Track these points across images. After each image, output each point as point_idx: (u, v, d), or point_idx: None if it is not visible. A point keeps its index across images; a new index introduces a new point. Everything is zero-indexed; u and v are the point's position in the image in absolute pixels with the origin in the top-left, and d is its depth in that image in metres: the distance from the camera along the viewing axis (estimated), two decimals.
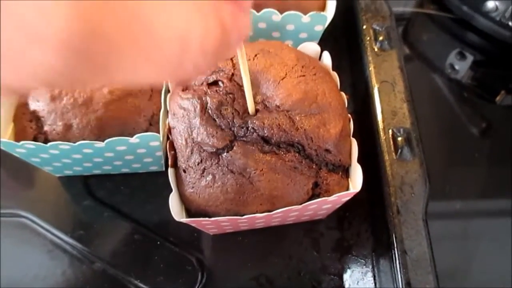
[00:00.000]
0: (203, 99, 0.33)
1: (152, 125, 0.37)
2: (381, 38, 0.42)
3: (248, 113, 0.32)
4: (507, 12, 0.48)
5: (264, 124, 0.31)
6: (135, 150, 0.36)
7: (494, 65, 0.54)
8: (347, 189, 0.33)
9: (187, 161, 0.32)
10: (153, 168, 0.42)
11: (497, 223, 0.43)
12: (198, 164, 0.31)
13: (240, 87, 0.34)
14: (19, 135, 0.36)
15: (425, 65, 0.55)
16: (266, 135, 0.31)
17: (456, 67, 0.54)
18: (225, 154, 0.31)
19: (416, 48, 0.56)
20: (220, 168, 0.31)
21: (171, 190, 0.34)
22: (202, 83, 0.34)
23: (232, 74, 0.34)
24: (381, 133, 0.37)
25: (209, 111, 0.32)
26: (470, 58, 0.54)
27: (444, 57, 0.55)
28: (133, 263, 0.39)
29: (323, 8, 0.43)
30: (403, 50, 0.54)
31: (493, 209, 0.45)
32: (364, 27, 0.43)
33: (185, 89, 0.34)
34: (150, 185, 0.43)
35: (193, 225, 0.33)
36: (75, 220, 0.41)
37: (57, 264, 0.39)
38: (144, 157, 0.38)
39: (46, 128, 0.35)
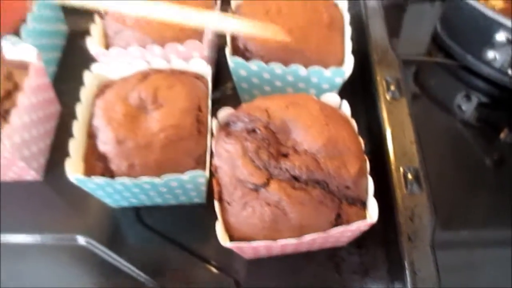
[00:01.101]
0: (244, 144, 0.39)
1: (198, 164, 0.43)
2: (392, 88, 0.48)
3: (281, 155, 0.39)
4: (505, 61, 0.54)
5: (295, 165, 0.38)
6: (184, 185, 0.43)
7: (497, 106, 0.60)
8: (365, 219, 0.39)
9: (231, 195, 0.39)
10: (196, 200, 0.48)
11: (501, 252, 0.48)
12: (240, 198, 0.38)
13: (274, 133, 0.40)
14: (88, 172, 0.43)
15: (436, 105, 0.61)
16: (296, 174, 0.38)
17: (463, 108, 0.60)
18: (263, 190, 0.38)
19: (426, 91, 0.62)
20: (258, 201, 0.37)
21: (210, 220, 0.41)
22: (242, 130, 0.41)
23: (267, 123, 0.41)
24: (393, 171, 0.43)
25: (249, 154, 0.39)
26: (475, 100, 0.60)
27: (452, 99, 0.61)
28: (177, 283, 0.45)
29: (342, 61, 0.50)
30: (414, 93, 0.60)
31: (497, 239, 0.50)
32: (378, 78, 0.49)
33: (228, 134, 0.41)
34: (193, 214, 0.49)
35: (233, 249, 0.40)
36: (128, 244, 0.48)
37: (112, 284, 0.46)
38: (191, 191, 0.45)
39: (112, 167, 0.42)
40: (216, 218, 0.47)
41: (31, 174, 0.51)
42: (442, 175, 0.52)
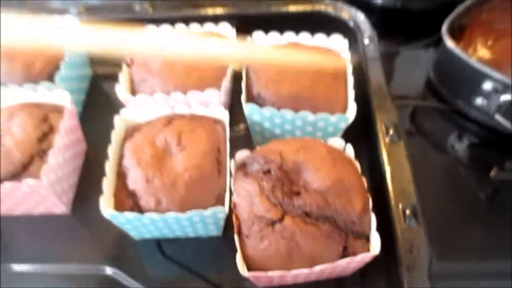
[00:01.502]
0: (261, 183, 0.44)
1: (218, 201, 0.48)
2: (391, 132, 0.54)
3: (294, 193, 0.44)
4: (492, 107, 0.60)
5: (306, 202, 0.43)
6: (205, 219, 0.48)
7: (486, 146, 0.65)
8: (369, 251, 0.44)
9: (250, 229, 0.43)
10: (213, 233, 0.53)
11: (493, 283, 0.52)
12: (258, 232, 0.43)
13: (287, 174, 0.45)
14: (118, 207, 0.48)
15: (430, 145, 0.66)
16: (308, 210, 0.43)
17: (456, 147, 0.65)
18: (278, 224, 0.42)
19: (422, 131, 0.67)
20: (274, 235, 0.42)
21: (226, 251, 0.46)
22: (258, 171, 0.46)
23: (281, 165, 0.46)
24: (393, 208, 0.48)
25: (266, 192, 0.44)
26: (466, 141, 0.65)
27: (445, 139, 0.66)
28: None
29: (345, 108, 0.55)
30: (411, 133, 0.66)
31: (490, 270, 0.54)
32: (377, 123, 0.55)
33: (245, 175, 0.46)
34: (210, 246, 0.54)
35: (250, 278, 0.44)
36: (151, 274, 0.52)
37: None
38: (210, 225, 0.50)
39: (141, 203, 0.47)
40: (231, 249, 0.51)
41: (61, 208, 0.55)
42: (438, 210, 0.57)
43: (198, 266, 0.52)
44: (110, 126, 0.64)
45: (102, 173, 0.59)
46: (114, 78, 0.72)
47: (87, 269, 0.53)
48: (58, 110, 0.56)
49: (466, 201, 0.60)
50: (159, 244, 0.54)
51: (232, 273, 0.51)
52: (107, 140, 0.62)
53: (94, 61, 0.72)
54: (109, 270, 0.52)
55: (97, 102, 0.70)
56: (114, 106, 0.67)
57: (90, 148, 0.63)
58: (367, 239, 0.45)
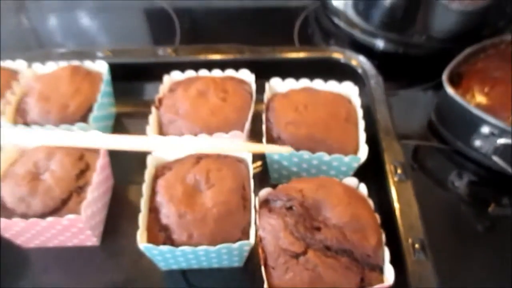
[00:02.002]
0: (285, 219, 0.49)
1: (243, 234, 0.53)
2: (399, 171, 0.59)
3: (315, 228, 0.49)
4: (489, 149, 0.65)
5: (327, 237, 0.47)
6: (232, 252, 0.52)
7: (485, 183, 0.70)
8: (383, 282, 0.48)
9: (275, 261, 0.48)
10: (236, 264, 0.57)
11: None
12: (283, 264, 0.47)
13: (308, 210, 0.50)
14: (150, 240, 0.52)
15: (432, 182, 0.71)
16: (328, 244, 0.47)
17: (456, 184, 0.70)
18: (301, 257, 0.47)
19: (424, 169, 0.72)
20: (298, 267, 0.47)
21: (247, 281, 0.51)
22: (281, 207, 0.51)
23: (302, 202, 0.50)
24: (403, 242, 0.53)
25: (289, 227, 0.48)
26: (466, 179, 0.71)
27: (446, 177, 0.71)
28: None
29: (357, 149, 0.60)
30: (413, 170, 0.71)
31: None
32: (386, 163, 0.60)
33: (270, 211, 0.51)
34: (232, 276, 0.57)
35: None
36: None
37: None
38: (234, 256, 0.54)
39: (174, 236, 0.51)
40: (251, 279, 0.56)
41: (92, 240, 0.59)
42: (439, 243, 0.61)
43: None
44: (132, 162, 0.69)
45: (127, 207, 0.64)
46: (134, 116, 0.78)
47: None
48: (93, 149, 0.61)
49: (466, 234, 0.64)
50: (185, 275, 0.58)
51: None
52: (129, 176, 0.67)
53: (117, 101, 0.77)
54: None
55: None
56: None
57: (115, 183, 0.67)
58: (381, 271, 0.49)
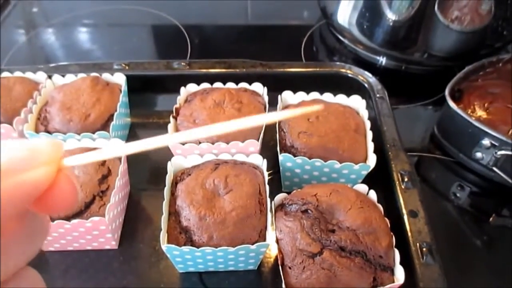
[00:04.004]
0: (301, 221, 0.52)
1: (260, 237, 0.55)
2: (406, 179, 0.62)
3: (329, 231, 0.51)
4: (490, 160, 0.68)
5: (341, 239, 0.50)
6: (248, 254, 0.55)
7: (486, 194, 0.74)
8: (394, 282, 0.51)
9: (292, 261, 0.50)
10: (250, 267, 0.59)
11: None
12: (300, 263, 0.50)
13: (322, 214, 0.53)
14: (171, 242, 0.55)
15: (435, 193, 0.74)
16: (343, 245, 0.50)
17: (458, 195, 0.73)
18: (317, 257, 0.50)
19: (427, 180, 0.75)
20: (315, 266, 0.49)
21: (261, 283, 0.53)
22: (297, 210, 0.54)
23: (317, 206, 0.53)
24: (412, 246, 0.55)
25: (306, 229, 0.51)
26: (467, 189, 0.74)
27: (449, 188, 0.74)
28: None
29: (366, 157, 0.63)
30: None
31: None
32: (394, 172, 0.63)
33: (286, 214, 0.54)
34: (246, 279, 0.60)
35: None
36: None
37: None
38: (250, 259, 0.56)
39: (195, 238, 0.54)
40: (266, 281, 0.58)
41: (111, 244, 0.62)
42: (441, 245, 0.64)
43: None
44: (146, 170, 0.72)
45: (142, 212, 0.67)
46: (147, 127, 0.80)
47: None
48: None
49: (467, 244, 0.67)
50: (201, 278, 0.60)
51: None
52: (144, 183, 0.69)
53: (132, 112, 0.80)
54: None
55: None
56: (150, 152, 0.75)
57: (131, 190, 0.70)
58: (392, 272, 0.52)
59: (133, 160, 0.73)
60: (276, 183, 0.69)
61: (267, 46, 1.03)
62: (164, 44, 1.06)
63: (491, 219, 0.70)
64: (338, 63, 0.82)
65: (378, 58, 0.94)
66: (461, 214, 0.71)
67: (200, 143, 0.63)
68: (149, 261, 0.62)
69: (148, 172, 0.73)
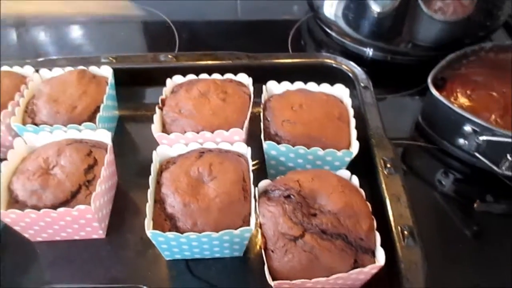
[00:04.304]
0: (283, 206, 0.53)
1: (244, 222, 0.56)
2: (388, 166, 0.63)
3: (311, 215, 0.52)
4: (472, 146, 0.69)
5: (322, 222, 0.51)
6: (233, 239, 0.55)
7: (469, 181, 0.74)
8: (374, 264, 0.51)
9: (275, 245, 0.51)
10: (236, 253, 0.60)
11: None
12: (282, 247, 0.51)
13: (304, 198, 0.54)
14: (156, 228, 0.55)
15: (420, 181, 0.75)
16: (324, 228, 0.51)
17: (443, 182, 0.74)
18: (299, 240, 0.50)
19: (412, 168, 0.76)
20: (296, 249, 0.50)
21: (247, 269, 0.55)
22: (280, 196, 0.54)
23: (299, 191, 0.54)
24: (393, 229, 0.56)
25: (288, 213, 0.52)
26: (452, 176, 0.75)
27: (433, 175, 0.75)
28: None
29: (349, 145, 0.64)
30: (403, 169, 0.75)
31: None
32: (376, 158, 0.64)
33: (269, 199, 0.55)
34: (233, 265, 0.60)
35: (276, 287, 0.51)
36: None
37: None
38: (235, 245, 0.57)
39: (179, 224, 0.54)
40: (251, 268, 0.59)
41: (98, 233, 0.62)
42: (427, 231, 0.65)
43: (223, 284, 0.59)
44: (135, 161, 0.72)
45: (130, 203, 0.68)
46: (136, 119, 0.81)
47: None
48: (99, 145, 0.64)
49: (452, 230, 0.68)
50: (188, 265, 0.61)
51: None
52: (133, 174, 0.70)
53: (120, 105, 0.80)
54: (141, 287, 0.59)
55: (123, 140, 0.78)
56: (138, 144, 0.76)
57: (119, 181, 0.71)
58: (373, 254, 0.53)
59: (121, 152, 0.74)
60: (263, 172, 0.69)
61: (255, 41, 1.03)
62: (152, 39, 1.06)
63: (475, 205, 0.71)
64: (323, 53, 0.83)
65: (365, 49, 0.95)
66: (446, 201, 0.72)
67: (185, 132, 0.63)
68: (136, 250, 0.63)
69: (136, 163, 0.73)
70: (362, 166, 0.66)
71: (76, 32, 1.08)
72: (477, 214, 0.70)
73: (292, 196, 0.54)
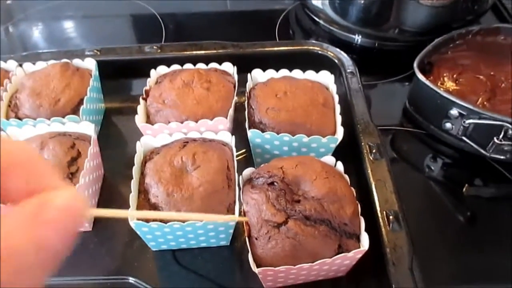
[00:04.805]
0: (266, 193, 0.52)
1: (228, 211, 0.56)
2: (374, 151, 0.63)
3: (295, 201, 0.52)
4: (459, 130, 0.69)
5: (306, 208, 0.51)
6: (217, 228, 0.55)
7: (458, 165, 0.74)
8: (359, 248, 0.51)
9: (258, 232, 0.51)
10: (222, 243, 0.60)
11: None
12: (265, 234, 0.50)
13: (288, 185, 0.53)
14: (140, 219, 0.55)
15: (409, 166, 0.75)
16: (307, 214, 0.51)
17: (432, 167, 0.74)
18: (283, 227, 0.50)
19: (401, 153, 0.76)
20: (280, 235, 0.50)
21: (234, 258, 0.54)
22: (263, 183, 0.54)
23: (283, 178, 0.54)
24: (379, 214, 0.56)
25: (271, 200, 0.52)
26: (440, 161, 0.75)
27: (422, 160, 0.75)
28: None
29: (334, 131, 0.64)
30: (392, 155, 0.75)
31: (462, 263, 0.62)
32: (362, 144, 0.64)
33: (252, 187, 0.54)
34: (219, 254, 0.60)
35: (259, 275, 0.51)
36: (169, 282, 0.59)
37: None
38: (220, 233, 0.57)
39: None
40: (238, 257, 0.59)
41: (84, 226, 0.62)
42: (417, 216, 0.65)
43: (210, 273, 0.59)
44: (122, 154, 0.72)
45: (117, 195, 0.67)
46: (122, 111, 0.81)
47: (111, 280, 0.59)
48: (82, 138, 0.64)
49: (440, 211, 0.68)
50: (174, 255, 0.61)
51: (241, 277, 0.58)
52: (119, 166, 0.70)
53: (106, 98, 0.80)
54: (131, 280, 0.58)
55: (109, 133, 0.77)
56: (125, 136, 0.76)
57: (106, 173, 0.70)
58: (358, 239, 0.52)
59: (108, 144, 0.74)
60: (250, 161, 0.69)
61: (242, 31, 1.03)
62: (139, 31, 1.05)
63: (464, 189, 0.71)
64: (309, 41, 0.82)
65: (354, 36, 0.95)
66: (436, 186, 0.72)
67: (169, 122, 0.63)
68: (123, 241, 0.62)
69: (122, 155, 0.73)
70: (349, 152, 0.66)
71: (62, 27, 1.07)
72: (467, 198, 0.70)
73: (275, 183, 0.53)
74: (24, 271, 0.20)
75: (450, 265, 0.61)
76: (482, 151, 0.68)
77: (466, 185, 0.71)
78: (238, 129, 0.69)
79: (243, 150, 0.71)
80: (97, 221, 0.65)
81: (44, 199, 0.22)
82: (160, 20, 1.04)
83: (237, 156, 0.70)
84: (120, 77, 0.82)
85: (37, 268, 0.21)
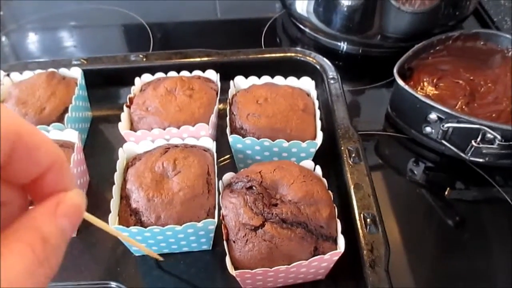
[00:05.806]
0: (244, 197, 0.53)
1: (208, 215, 0.56)
2: (353, 155, 0.64)
3: (272, 205, 0.53)
4: (439, 134, 0.70)
5: (282, 211, 0.52)
6: (198, 232, 0.56)
7: (440, 169, 0.75)
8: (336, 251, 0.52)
9: (236, 235, 0.52)
10: (204, 247, 0.61)
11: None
12: (243, 237, 0.51)
13: (266, 189, 0.54)
14: (121, 224, 0.56)
15: (393, 170, 0.76)
16: (284, 218, 0.52)
17: (414, 171, 0.75)
18: (260, 230, 0.51)
19: (384, 158, 0.77)
20: (257, 239, 0.51)
21: (215, 263, 0.54)
22: (242, 187, 0.55)
23: (261, 182, 0.55)
24: (356, 216, 0.57)
25: (249, 204, 0.53)
26: (422, 165, 0.76)
27: (405, 164, 0.76)
28: None
29: (314, 136, 0.65)
30: (375, 160, 0.76)
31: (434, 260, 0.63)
32: (342, 148, 0.65)
33: (231, 191, 0.55)
34: (201, 259, 0.61)
35: (237, 278, 0.52)
36: (151, 286, 0.59)
37: None
38: (201, 238, 0.58)
39: (143, 219, 0.55)
40: (220, 261, 0.60)
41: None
42: (400, 220, 0.66)
43: (193, 277, 0.60)
44: (108, 161, 0.73)
45: (102, 201, 0.68)
46: (109, 119, 0.82)
47: (95, 285, 0.59)
48: (67, 145, 0.65)
49: (422, 214, 0.70)
50: (157, 260, 0.61)
51: (223, 281, 0.59)
52: (105, 173, 0.70)
53: (93, 106, 0.81)
54: (113, 285, 0.59)
55: (96, 141, 0.78)
56: (111, 144, 0.77)
57: (92, 180, 0.71)
58: (335, 241, 0.53)
59: (94, 152, 0.75)
60: (233, 167, 0.70)
61: (229, 40, 1.04)
62: (128, 40, 1.07)
63: (446, 193, 0.72)
64: (292, 48, 0.83)
65: (339, 44, 0.96)
66: (418, 189, 0.73)
67: (152, 129, 0.64)
68: (107, 246, 0.63)
69: (108, 162, 0.73)
70: (330, 156, 0.67)
71: (53, 37, 1.09)
72: (449, 202, 0.71)
73: (254, 187, 0.54)
74: (56, 251, 0.25)
75: (433, 268, 0.62)
76: (462, 154, 0.69)
77: (448, 188, 0.72)
78: (223, 136, 0.70)
79: (227, 156, 0.72)
80: (82, 227, 0.65)
81: (61, 198, 0.26)
82: (148, 29, 1.05)
83: (221, 162, 0.71)
84: (107, 85, 0.83)
85: (60, 251, 0.26)
